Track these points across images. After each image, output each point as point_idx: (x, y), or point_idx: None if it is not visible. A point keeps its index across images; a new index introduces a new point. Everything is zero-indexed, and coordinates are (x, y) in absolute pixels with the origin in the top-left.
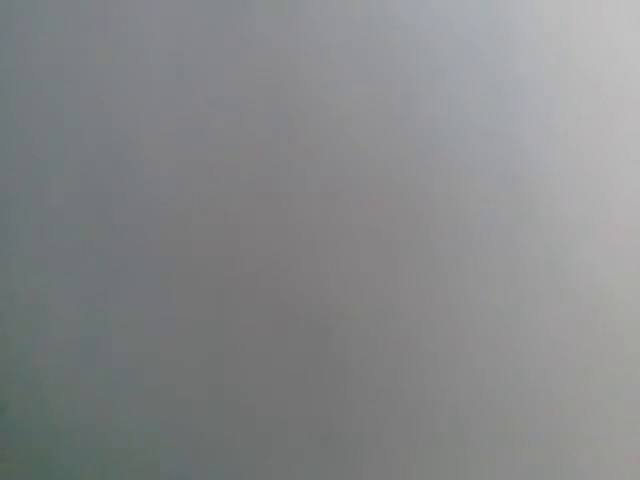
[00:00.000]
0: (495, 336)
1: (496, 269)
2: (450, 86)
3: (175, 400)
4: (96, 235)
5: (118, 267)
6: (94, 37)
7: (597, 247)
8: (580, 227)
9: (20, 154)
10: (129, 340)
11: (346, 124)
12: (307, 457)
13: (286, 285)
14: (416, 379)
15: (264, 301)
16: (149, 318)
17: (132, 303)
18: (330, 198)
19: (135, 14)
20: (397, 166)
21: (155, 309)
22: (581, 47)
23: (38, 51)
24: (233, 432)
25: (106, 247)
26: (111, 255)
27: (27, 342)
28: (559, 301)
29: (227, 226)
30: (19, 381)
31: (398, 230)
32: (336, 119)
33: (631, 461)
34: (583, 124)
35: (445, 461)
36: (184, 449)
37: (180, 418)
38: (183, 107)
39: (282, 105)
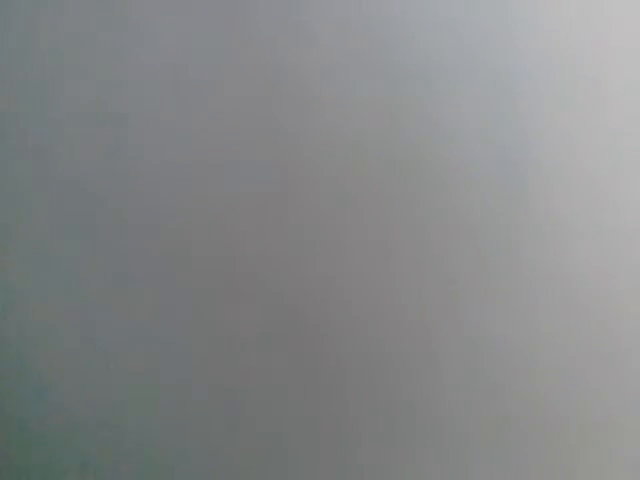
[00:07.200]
0: (494, 336)
1: (496, 270)
2: (451, 86)
3: (174, 400)
4: (96, 236)
5: (118, 267)
6: (94, 37)
7: (596, 247)
8: (579, 227)
9: (20, 154)
10: (129, 340)
11: (346, 124)
12: (306, 457)
13: (286, 285)
14: (416, 379)
15: (264, 301)
16: (149, 318)
17: (132, 303)
18: (330, 198)
19: (135, 16)
20: (397, 166)
21: (155, 309)
22: (583, 46)
23: (38, 52)
24: (232, 432)
25: (106, 248)
26: (111, 255)
27: (27, 342)
28: (558, 300)
29: (227, 227)
30: (19, 381)
31: (397, 230)
32: (336, 120)
33: (631, 461)
34: (583, 124)
35: (445, 461)
36: (184, 449)
37: (179, 418)
38: (183, 108)
39: (282, 105)
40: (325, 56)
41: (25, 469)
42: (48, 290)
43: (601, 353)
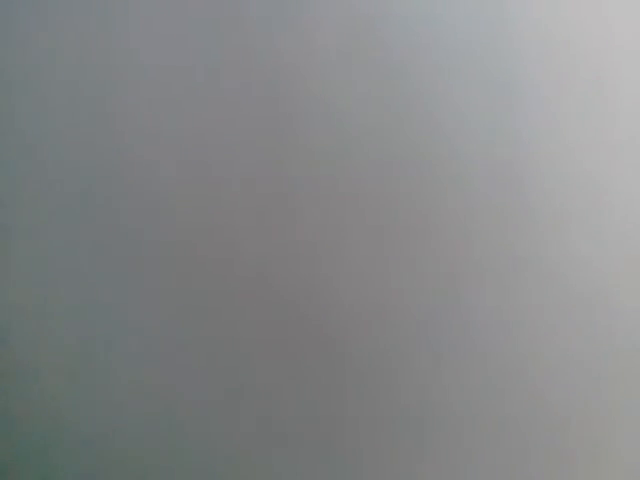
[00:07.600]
0: (494, 335)
1: (496, 270)
2: (449, 85)
3: (175, 400)
4: (96, 235)
5: (118, 267)
6: (94, 36)
7: (595, 246)
8: (579, 226)
9: (20, 154)
10: (129, 340)
11: (346, 124)
12: (306, 457)
13: (287, 286)
14: (417, 380)
15: (265, 301)
16: (150, 318)
17: (132, 303)
18: (330, 199)
19: (135, 15)
20: (397, 166)
21: (155, 310)
22: (582, 46)
23: (38, 51)
24: (232, 432)
25: (106, 247)
26: (111, 255)
27: (27, 342)
28: (557, 301)
29: (227, 227)
30: (19, 380)
31: (397, 229)
32: (336, 119)
33: (631, 462)
34: (582, 123)
35: (445, 460)
36: (184, 449)
37: (180, 418)
38: (183, 107)
39: (282, 105)
40: (325, 56)
41: (24, 468)
42: (47, 290)
43: (601, 353)
